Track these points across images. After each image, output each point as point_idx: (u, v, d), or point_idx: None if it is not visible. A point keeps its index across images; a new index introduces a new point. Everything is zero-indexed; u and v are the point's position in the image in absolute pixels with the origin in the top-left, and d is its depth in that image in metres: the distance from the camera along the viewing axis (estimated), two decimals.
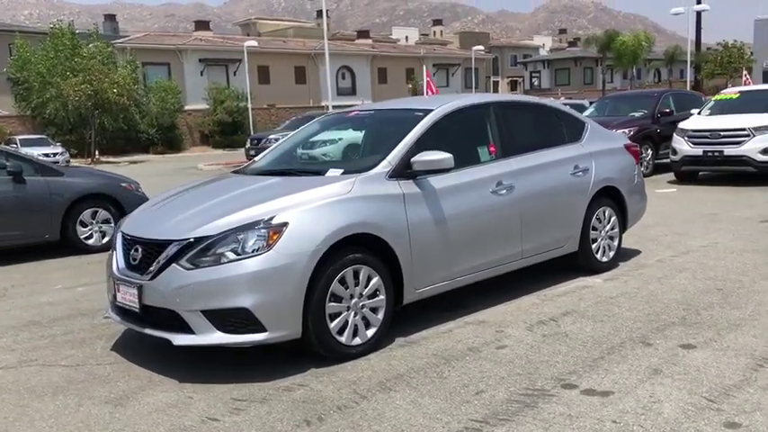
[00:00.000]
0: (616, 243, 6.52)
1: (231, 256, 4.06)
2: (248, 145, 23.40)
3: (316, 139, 19.02)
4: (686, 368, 4.00)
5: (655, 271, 6.32)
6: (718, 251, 7.03)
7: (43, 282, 7.21)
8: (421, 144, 4.93)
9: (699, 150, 12.69)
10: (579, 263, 6.21)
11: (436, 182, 4.89)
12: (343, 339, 4.35)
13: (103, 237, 8.79)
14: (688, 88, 34.57)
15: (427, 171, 4.80)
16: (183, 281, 4.07)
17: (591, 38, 58.26)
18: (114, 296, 4.63)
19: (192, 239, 4.16)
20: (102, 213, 8.79)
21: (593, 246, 6.23)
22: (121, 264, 4.55)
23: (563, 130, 6.19)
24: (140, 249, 4.39)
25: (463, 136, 5.42)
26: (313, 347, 4.27)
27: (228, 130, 39.99)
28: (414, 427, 3.43)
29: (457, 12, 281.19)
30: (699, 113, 13.96)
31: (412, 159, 4.77)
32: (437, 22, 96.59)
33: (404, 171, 4.77)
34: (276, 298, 4.05)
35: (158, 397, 3.98)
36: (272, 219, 4.15)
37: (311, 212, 4.27)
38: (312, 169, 5.20)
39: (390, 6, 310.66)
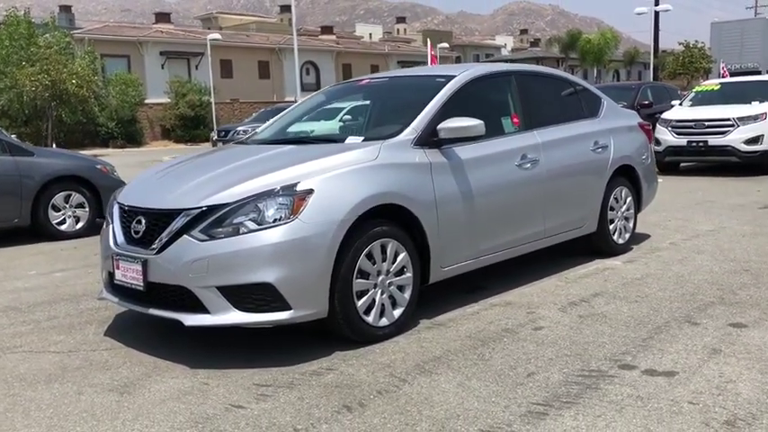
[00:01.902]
0: (631, 225, 6.25)
1: (251, 225, 3.63)
2: (215, 137, 22.77)
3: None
4: (746, 347, 3.71)
5: (672, 253, 6.07)
6: (728, 235, 6.83)
7: (15, 268, 6.64)
8: (445, 111, 4.57)
9: (683, 141, 12.60)
10: (596, 244, 5.92)
11: (462, 152, 4.54)
12: (370, 319, 3.95)
13: (77, 222, 8.22)
14: None
15: (455, 139, 4.44)
16: (197, 254, 3.63)
17: (553, 38, 58.68)
18: (110, 274, 4.16)
19: (205, 208, 3.72)
20: (76, 197, 8.19)
21: (611, 227, 5.94)
22: (120, 238, 4.07)
23: (581, 103, 5.89)
24: (144, 221, 3.92)
25: (487, 105, 5.07)
26: (339, 328, 3.87)
27: (190, 125, 38.96)
28: (469, 411, 3.07)
29: (417, 12, 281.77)
30: (680, 104, 13.92)
31: (438, 126, 4.41)
32: (400, 20, 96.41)
33: (429, 139, 4.40)
34: (302, 272, 3.64)
35: (169, 384, 3.53)
36: (296, 185, 3.74)
37: (337, 179, 3.86)
38: (329, 137, 4.78)
39: (350, 5, 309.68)
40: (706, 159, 12.82)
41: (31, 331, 4.52)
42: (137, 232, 3.94)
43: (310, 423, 3.01)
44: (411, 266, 4.17)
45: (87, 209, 8.26)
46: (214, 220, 3.67)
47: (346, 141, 4.43)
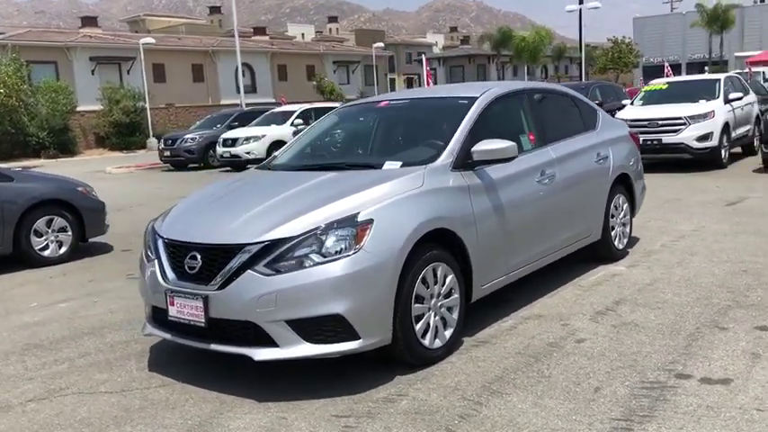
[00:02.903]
0: (628, 230, 6.55)
1: (316, 258, 3.68)
2: (162, 146, 22.15)
3: (236, 135, 18.01)
4: None
5: (668, 256, 6.38)
6: (711, 234, 7.20)
7: (11, 300, 6.41)
8: (474, 133, 4.71)
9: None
10: (599, 251, 6.17)
11: (492, 172, 4.68)
12: (426, 342, 4.06)
13: (60, 247, 7.97)
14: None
15: (487, 161, 4.58)
16: (263, 289, 3.65)
17: (485, 35, 59.75)
18: (158, 309, 4.13)
19: (268, 242, 3.74)
20: (59, 221, 7.95)
21: (612, 233, 6.21)
22: (171, 274, 4.03)
23: (582, 117, 6.13)
24: (199, 256, 3.89)
25: (507, 124, 5.25)
26: (400, 353, 3.95)
27: (126, 132, 37.91)
28: (557, 431, 3.21)
29: (344, 10, 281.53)
30: (632, 104, 14.49)
31: (473, 149, 4.54)
32: (332, 19, 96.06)
33: (464, 161, 4.53)
34: (369, 301, 3.71)
35: (245, 420, 3.54)
36: (356, 216, 3.80)
37: (392, 208, 3.95)
38: (363, 162, 4.83)
39: (276, 4, 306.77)
40: (660, 157, 13.39)
41: (69, 370, 4.43)
42: (191, 268, 3.91)
43: None
44: (458, 287, 4.29)
45: (70, 233, 8.03)
46: (279, 254, 3.70)
47: (384, 167, 4.51)
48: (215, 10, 76.72)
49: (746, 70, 25.77)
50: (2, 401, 3.98)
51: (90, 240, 8.45)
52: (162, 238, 4.21)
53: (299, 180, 4.50)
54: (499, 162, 4.62)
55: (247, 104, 31.13)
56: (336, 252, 3.70)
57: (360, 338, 3.71)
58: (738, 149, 14.46)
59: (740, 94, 13.83)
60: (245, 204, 4.20)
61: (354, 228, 3.75)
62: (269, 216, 3.93)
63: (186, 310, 3.88)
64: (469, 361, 4.14)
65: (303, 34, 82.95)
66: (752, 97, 15.01)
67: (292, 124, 20.73)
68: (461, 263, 4.36)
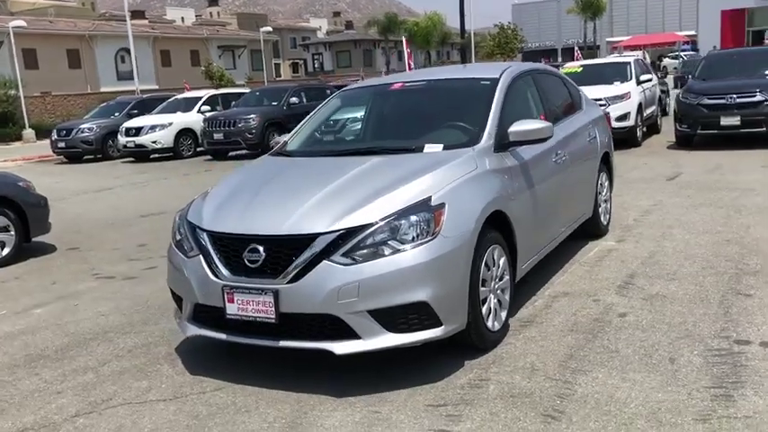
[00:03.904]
0: (609, 206, 6.77)
1: (396, 245, 3.54)
2: (55, 137, 20.64)
3: (140, 124, 17.22)
4: None
5: (648, 230, 6.65)
6: (674, 207, 7.57)
7: None
8: (503, 114, 4.69)
9: None
10: (589, 228, 6.32)
11: (523, 153, 4.69)
12: (489, 325, 4.02)
13: (2, 248, 7.26)
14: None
15: (521, 142, 4.57)
16: (344, 279, 3.47)
17: (372, 21, 59.96)
18: (197, 310, 3.86)
19: (343, 231, 3.55)
20: (0, 220, 7.24)
21: (599, 210, 6.40)
22: (224, 269, 3.74)
23: (572, 98, 6.26)
24: (262, 249, 3.64)
25: (525, 104, 5.26)
26: (468, 337, 3.88)
27: None
28: (662, 402, 3.27)
29: None
30: None
31: (510, 129, 4.51)
32: (213, 3, 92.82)
33: (501, 143, 4.51)
34: (449, 286, 3.63)
35: (337, 417, 3.37)
36: (429, 200, 3.69)
37: (458, 191, 3.87)
38: (401, 146, 4.64)
39: None
40: None
41: (99, 380, 4.04)
42: (253, 262, 3.65)
43: None
44: (508, 269, 4.27)
45: (13, 232, 7.33)
46: (356, 242, 3.53)
47: (425, 150, 4.40)
48: None
49: (640, 54, 27.28)
50: (42, 419, 3.58)
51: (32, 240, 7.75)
52: (207, 231, 3.91)
53: (343, 166, 4.29)
54: (533, 143, 4.63)
55: (130, 92, 29.63)
56: (414, 238, 3.58)
57: (442, 325, 3.62)
58: (644, 128, 15.32)
59: (649, 76, 14.65)
60: (299, 193, 3.95)
61: (430, 212, 3.64)
62: (334, 204, 3.73)
63: (251, 306, 3.62)
64: (528, 341, 4.14)
65: (183, 18, 79.82)
66: (656, 79, 15.95)
67: (199, 111, 19.93)
68: (508, 244, 4.34)
